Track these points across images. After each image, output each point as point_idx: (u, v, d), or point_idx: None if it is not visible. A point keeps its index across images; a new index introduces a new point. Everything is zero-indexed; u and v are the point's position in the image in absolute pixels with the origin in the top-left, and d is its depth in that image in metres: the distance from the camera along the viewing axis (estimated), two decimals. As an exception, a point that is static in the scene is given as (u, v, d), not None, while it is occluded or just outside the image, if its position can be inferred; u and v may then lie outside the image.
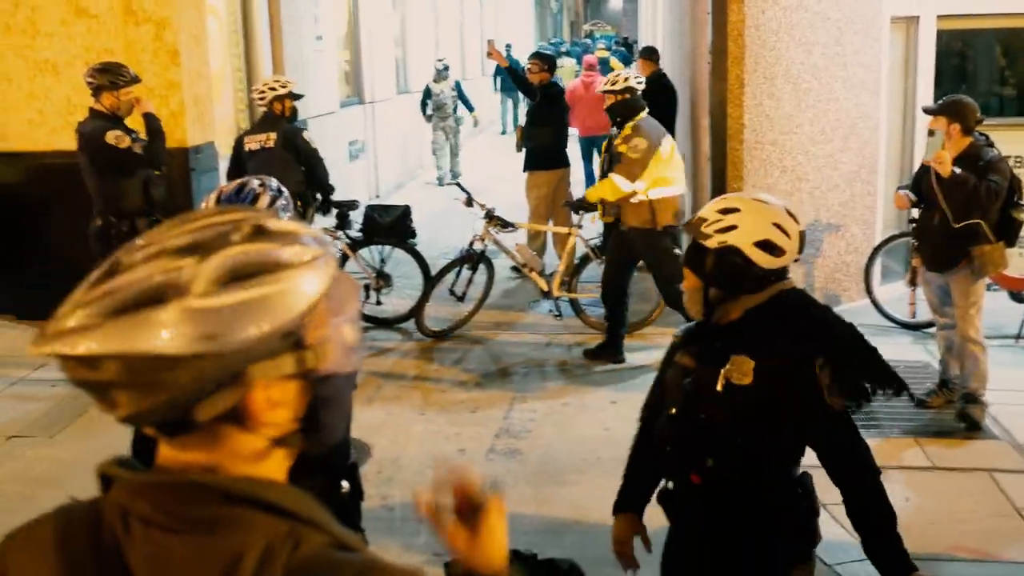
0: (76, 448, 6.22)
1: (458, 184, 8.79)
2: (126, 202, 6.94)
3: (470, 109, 15.88)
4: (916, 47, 8.75)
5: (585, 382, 7.18)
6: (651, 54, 11.06)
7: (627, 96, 7.24)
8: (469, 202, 8.39)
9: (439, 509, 1.44)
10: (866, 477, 2.74)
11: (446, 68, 15.67)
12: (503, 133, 22.71)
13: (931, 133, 6.05)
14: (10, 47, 8.18)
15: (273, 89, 7.95)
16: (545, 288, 8.17)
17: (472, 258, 8.22)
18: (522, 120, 10.80)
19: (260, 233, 1.17)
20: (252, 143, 7.92)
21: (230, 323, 1.11)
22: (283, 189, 3.07)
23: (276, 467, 1.24)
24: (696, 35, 9.56)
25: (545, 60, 9.79)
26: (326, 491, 2.95)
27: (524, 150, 9.94)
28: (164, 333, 1.09)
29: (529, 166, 9.89)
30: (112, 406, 1.14)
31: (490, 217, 8.24)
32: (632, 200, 7.05)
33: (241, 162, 7.87)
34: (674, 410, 2.86)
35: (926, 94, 8.75)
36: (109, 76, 6.89)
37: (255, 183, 3.03)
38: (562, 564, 2.90)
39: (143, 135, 6.97)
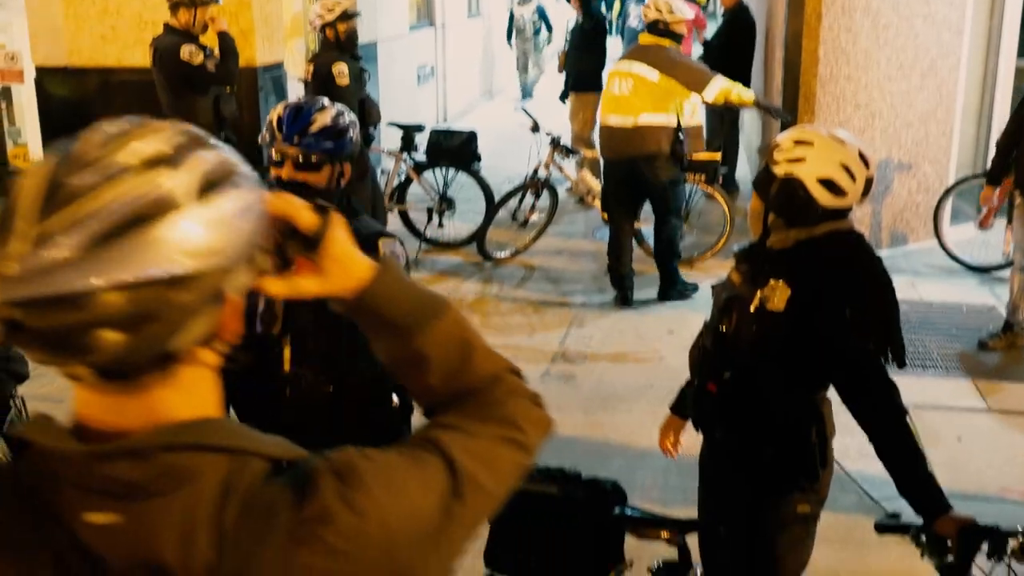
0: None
1: (524, 110, 8.76)
2: (197, 119, 6.95)
3: (550, 29, 16.39)
4: (1002, -18, 8.48)
5: (644, 311, 7.19)
6: None
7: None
8: (535, 128, 8.36)
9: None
10: (890, 418, 2.73)
11: None
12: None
13: None
14: (85, -38, 8.28)
15: (321, 15, 7.58)
16: (607, 217, 8.17)
17: (536, 184, 8.23)
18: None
19: (202, 143, 1.09)
20: (304, 72, 7.84)
21: (224, 235, 1.05)
22: (351, 112, 3.08)
23: (213, 397, 1.15)
24: (773, -35, 9.36)
25: None
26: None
27: (566, 74, 10.14)
28: (168, 252, 1.00)
29: (574, 88, 10.01)
30: (91, 351, 1.00)
31: (555, 144, 8.22)
32: (664, 125, 6.98)
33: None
34: (709, 319, 3.02)
35: (1011, 34, 8.49)
36: None
37: (323, 99, 3.05)
38: (605, 483, 2.98)
39: (217, 53, 7.04)
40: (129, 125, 1.07)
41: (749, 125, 10.48)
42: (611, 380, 6.05)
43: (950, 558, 2.54)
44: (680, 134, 6.99)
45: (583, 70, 9.93)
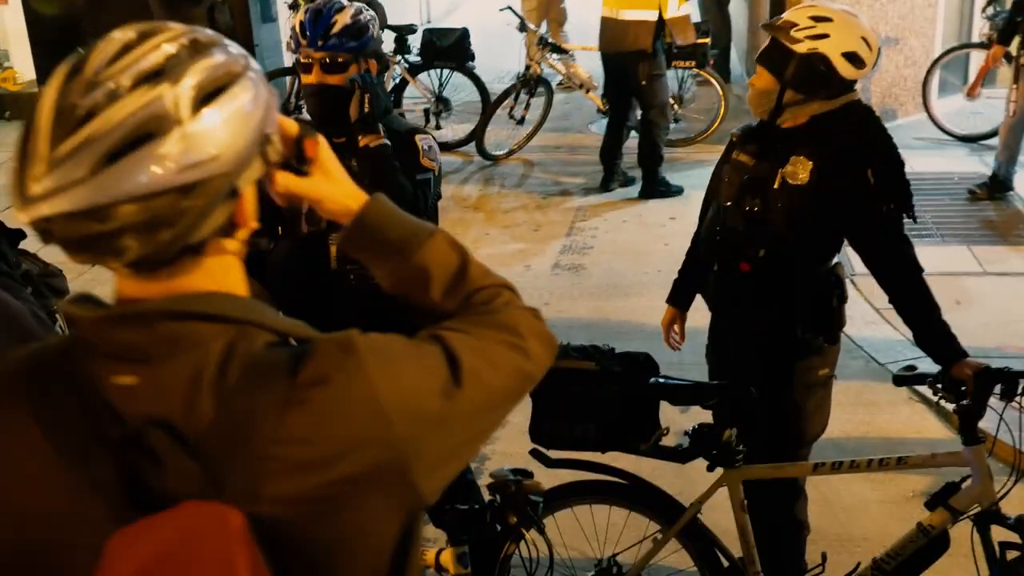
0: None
1: (511, 9, 8.78)
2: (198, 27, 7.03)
3: None
4: None
5: (645, 201, 7.34)
6: None
7: None
8: (522, 27, 8.40)
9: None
10: (911, 273, 2.96)
11: None
12: None
13: None
14: None
15: None
16: (603, 107, 8.25)
17: (528, 82, 8.29)
18: None
19: (202, 48, 1.15)
20: None
21: (224, 139, 1.11)
22: (369, 7, 3.18)
23: (239, 280, 1.23)
24: None
25: None
26: None
27: None
28: (173, 164, 1.08)
29: None
30: (116, 253, 1.11)
31: (543, 42, 8.27)
32: (644, 20, 7.05)
33: None
34: (728, 203, 3.07)
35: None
36: None
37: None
38: (638, 356, 3.17)
39: None
40: (133, 35, 1.13)
41: (734, 9, 10.48)
42: (619, 268, 6.24)
43: (966, 402, 2.76)
44: (663, 28, 7.08)
45: None
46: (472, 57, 8.43)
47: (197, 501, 1.11)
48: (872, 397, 4.70)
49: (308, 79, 3.04)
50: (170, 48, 1.12)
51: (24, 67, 9.90)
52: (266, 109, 1.18)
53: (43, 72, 8.81)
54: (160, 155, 1.07)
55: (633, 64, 7.10)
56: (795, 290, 3.06)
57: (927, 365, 2.92)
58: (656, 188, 7.37)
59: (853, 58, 2.88)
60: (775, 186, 2.97)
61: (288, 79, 8.83)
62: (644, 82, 7.14)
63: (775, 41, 2.94)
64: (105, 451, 1.14)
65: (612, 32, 7.17)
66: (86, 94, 1.08)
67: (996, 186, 6.82)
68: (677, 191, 7.35)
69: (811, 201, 2.93)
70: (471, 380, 1.24)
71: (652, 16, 7.01)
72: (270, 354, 1.17)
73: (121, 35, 1.13)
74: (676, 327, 3.53)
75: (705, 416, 3.11)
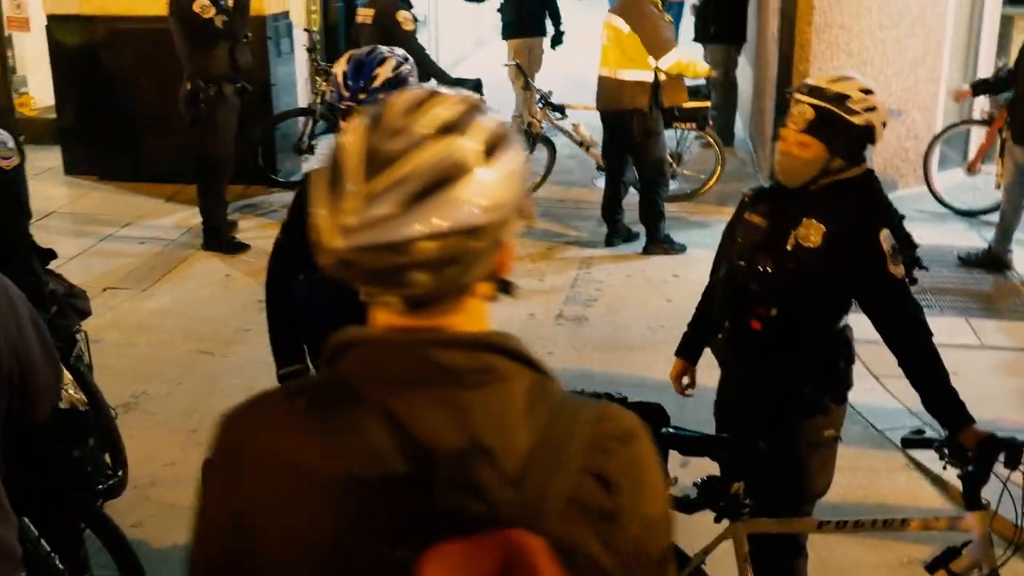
0: (168, 299, 6.62)
1: (517, 65, 8.96)
2: (213, 68, 7.11)
3: None
4: (991, -68, 8.70)
5: (648, 257, 7.44)
6: None
7: None
8: (527, 85, 8.60)
9: None
10: (922, 337, 3.06)
11: None
12: None
13: None
14: (96, -88, 8.35)
15: None
16: (603, 164, 8.39)
17: (530, 138, 8.43)
18: None
19: (480, 110, 1.26)
20: (360, 16, 8.15)
21: (505, 190, 1.23)
22: (408, 57, 3.30)
23: (488, 320, 1.32)
24: (768, -85, 9.52)
25: None
26: None
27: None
28: (469, 208, 1.19)
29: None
30: (405, 286, 1.21)
31: (545, 102, 8.46)
32: (640, 80, 7.23)
33: (355, 35, 8.11)
34: (741, 262, 3.18)
35: (997, -18, 8.74)
36: None
37: (383, 48, 3.27)
38: (652, 405, 3.24)
39: (231, 2, 7.16)
40: (422, 95, 1.26)
41: (740, 81, 10.70)
42: (623, 322, 6.33)
43: (970, 468, 2.84)
44: (659, 88, 7.25)
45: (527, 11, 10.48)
46: (486, 107, 8.53)
47: (518, 529, 1.16)
48: (870, 463, 4.78)
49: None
50: (459, 107, 1.24)
51: (40, 93, 10.02)
52: (525, 172, 1.30)
53: (63, 98, 8.93)
54: (459, 198, 1.19)
55: (629, 122, 7.28)
56: (804, 349, 3.15)
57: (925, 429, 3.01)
58: (659, 244, 7.48)
59: (884, 127, 3.04)
60: (788, 247, 3.07)
61: (302, 119, 8.97)
62: (639, 140, 7.31)
63: (832, 113, 2.99)
64: (407, 474, 1.19)
65: (610, 91, 7.37)
66: (392, 139, 1.21)
67: (991, 260, 6.95)
68: (680, 249, 7.46)
69: (823, 263, 3.03)
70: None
71: (648, 77, 7.19)
72: (569, 401, 1.30)
73: (411, 93, 1.27)
74: (686, 378, 3.60)
75: (712, 468, 3.18)
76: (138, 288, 6.79)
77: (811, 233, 3.04)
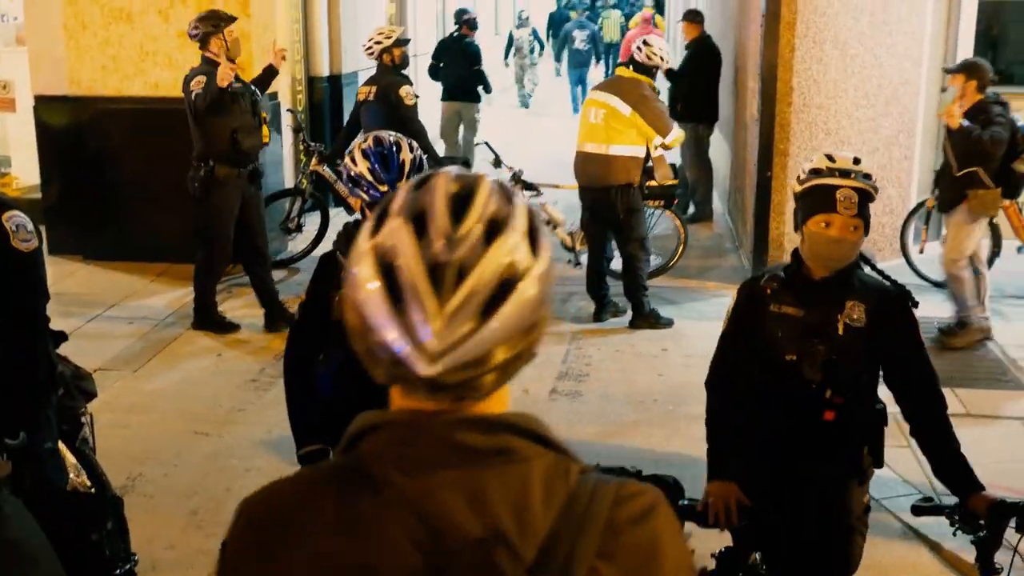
0: (160, 380, 6.61)
1: (487, 144, 9.11)
2: (208, 148, 7.06)
3: (542, 47, 20.83)
4: (958, 17, 9.00)
5: (637, 331, 7.51)
6: (695, 16, 11.25)
7: None
8: (497, 163, 8.73)
9: None
10: (941, 404, 3.15)
11: (527, 17, 20.64)
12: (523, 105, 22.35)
13: (943, 90, 6.87)
14: (86, -5, 8.49)
15: (379, 42, 8.15)
16: (569, 244, 8.54)
17: None
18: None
19: (505, 189, 1.28)
20: (362, 93, 8.32)
21: (546, 285, 1.25)
22: (413, 142, 3.41)
23: (508, 402, 1.32)
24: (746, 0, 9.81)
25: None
26: None
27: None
28: (533, 305, 1.22)
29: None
30: (475, 390, 1.22)
31: (516, 180, 8.58)
32: (634, 156, 7.41)
33: (356, 110, 8.26)
34: (792, 356, 3.11)
35: (965, 62, 9.03)
36: (211, 21, 7.04)
37: (389, 136, 3.38)
38: (667, 479, 3.29)
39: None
40: (452, 186, 1.25)
41: (716, 158, 10.93)
42: (616, 396, 6.38)
43: (982, 533, 2.90)
44: (648, 164, 7.47)
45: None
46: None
47: None
48: (868, 533, 4.81)
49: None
50: (491, 196, 1.25)
51: (24, 173, 10.07)
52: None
53: (48, 178, 8.98)
54: (525, 299, 1.22)
55: (615, 198, 7.40)
56: (866, 426, 3.20)
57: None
58: (646, 319, 7.56)
59: None
60: (840, 332, 3.07)
61: (288, 200, 9.05)
62: (624, 216, 7.43)
63: (867, 191, 3.07)
64: (426, 564, 1.20)
65: (597, 166, 7.47)
66: (450, 248, 1.20)
67: (960, 326, 7.12)
68: (667, 323, 7.54)
69: (870, 340, 3.08)
70: None
71: (640, 152, 7.37)
72: (590, 482, 1.28)
73: (439, 185, 1.25)
74: (732, 504, 3.10)
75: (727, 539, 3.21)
76: (129, 369, 6.78)
77: (856, 313, 3.08)
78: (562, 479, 1.26)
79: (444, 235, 1.21)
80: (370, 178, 3.24)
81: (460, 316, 1.19)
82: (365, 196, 3.26)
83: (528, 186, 8.60)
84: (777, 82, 8.16)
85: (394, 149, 3.29)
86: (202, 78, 6.94)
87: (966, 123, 6.68)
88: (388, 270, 1.21)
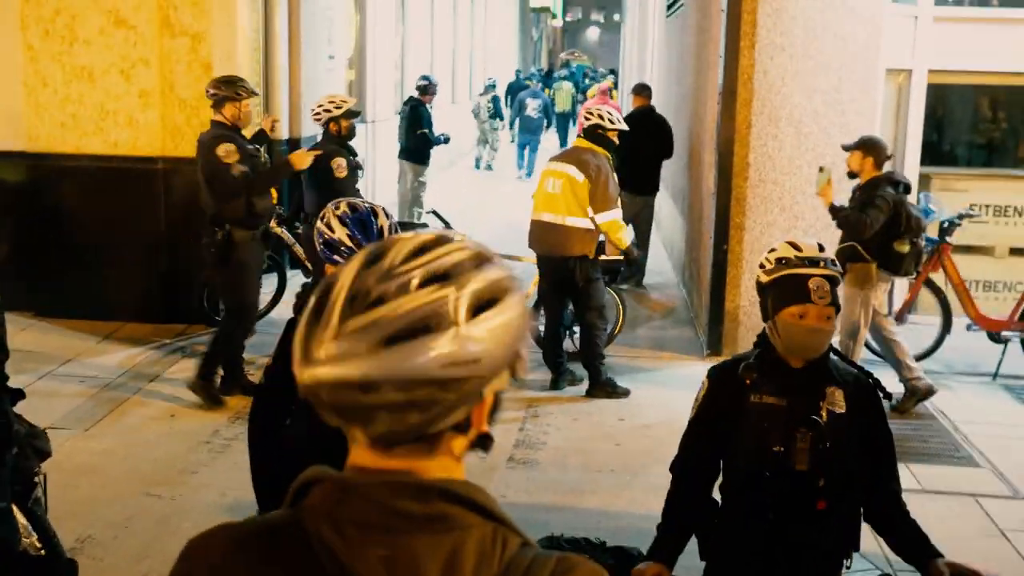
0: (112, 440, 6.50)
1: (435, 212, 9.16)
2: (226, 212, 6.93)
3: (501, 118, 22.08)
4: (908, 98, 9.27)
5: (594, 401, 7.52)
6: (643, 90, 11.66)
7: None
8: (446, 229, 8.76)
9: None
10: (898, 482, 3.18)
11: (493, 85, 22.30)
12: (478, 167, 22.86)
13: (820, 170, 7.22)
14: (48, 52, 8.49)
15: (328, 111, 7.96)
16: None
17: None
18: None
19: (484, 260, 1.27)
20: None
21: (488, 347, 1.21)
22: (385, 208, 3.44)
23: (461, 471, 1.30)
24: (702, 75, 10.01)
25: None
26: None
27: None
28: (440, 359, 1.18)
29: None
30: (367, 423, 1.21)
31: None
32: (589, 228, 7.50)
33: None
34: (779, 447, 3.06)
35: (914, 142, 9.28)
36: (233, 88, 7.00)
37: (363, 203, 3.40)
38: (632, 551, 3.29)
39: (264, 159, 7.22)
40: (431, 239, 1.26)
41: (671, 230, 11.08)
42: (573, 464, 6.37)
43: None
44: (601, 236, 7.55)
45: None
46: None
47: None
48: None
49: None
50: (460, 256, 1.24)
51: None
52: (525, 327, 1.28)
53: (1, 234, 8.89)
54: (433, 348, 1.18)
55: (573, 268, 7.47)
56: (853, 518, 3.18)
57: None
58: (602, 388, 7.58)
59: None
60: (824, 419, 3.04)
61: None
62: (583, 285, 7.49)
63: (837, 279, 3.04)
64: None
65: (554, 236, 7.52)
66: (380, 283, 1.21)
67: (911, 393, 7.25)
68: (624, 392, 7.55)
69: (851, 427, 3.06)
70: None
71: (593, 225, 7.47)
72: (528, 556, 1.27)
73: (421, 237, 1.27)
74: None
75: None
76: (80, 428, 6.66)
77: (836, 399, 3.05)
78: (498, 550, 1.25)
79: (386, 270, 1.22)
80: (350, 244, 3.26)
81: (356, 337, 1.18)
82: (343, 262, 3.28)
83: None
84: (734, 157, 8.32)
85: (371, 216, 3.32)
86: (231, 148, 6.87)
87: (837, 203, 7.03)
88: (325, 292, 1.24)
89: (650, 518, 3.57)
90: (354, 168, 7.88)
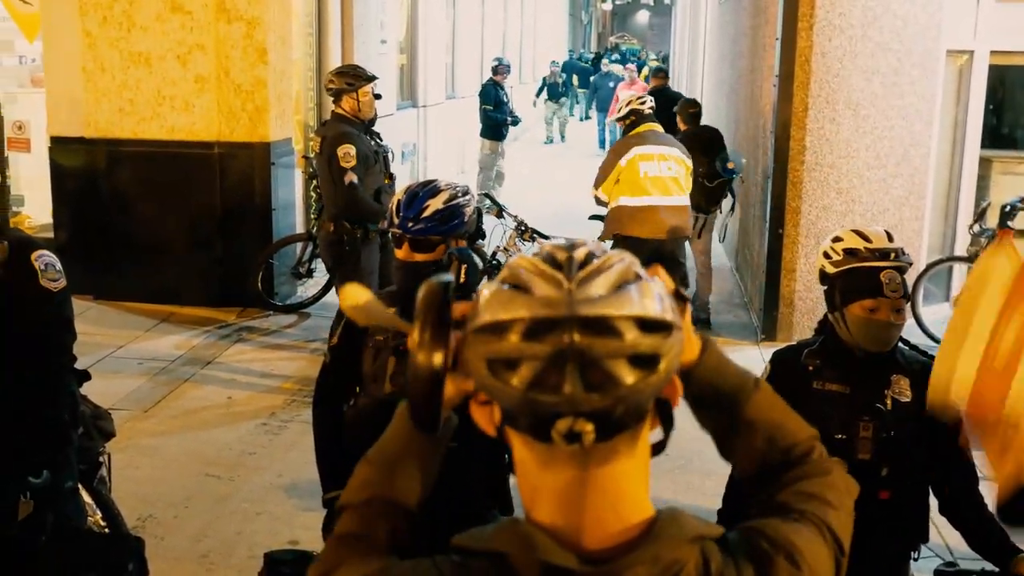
0: (170, 421, 6.58)
1: (487, 195, 9.10)
2: (351, 208, 6.85)
3: (566, 96, 24.52)
4: (969, 80, 9.09)
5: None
6: (658, 72, 14.80)
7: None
8: (500, 214, 8.67)
9: None
10: (975, 478, 3.08)
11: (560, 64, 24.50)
12: (548, 142, 24.17)
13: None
14: (106, 38, 8.57)
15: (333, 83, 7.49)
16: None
17: (489, 270, 8.25)
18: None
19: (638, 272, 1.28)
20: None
21: (672, 308, 1.26)
22: (468, 189, 3.36)
23: (647, 476, 1.30)
24: (758, 57, 9.91)
25: None
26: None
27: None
28: (658, 304, 1.22)
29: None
30: (607, 382, 1.17)
31: (521, 228, 8.53)
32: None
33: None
34: (841, 435, 3.01)
35: (975, 125, 9.10)
36: (346, 79, 6.92)
37: (442, 182, 3.33)
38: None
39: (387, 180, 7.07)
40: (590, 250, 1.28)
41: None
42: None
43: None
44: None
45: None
46: (483, 235, 8.62)
47: None
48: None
49: (399, 253, 3.21)
50: (618, 263, 1.25)
51: (36, 212, 10.09)
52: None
53: (61, 218, 9.01)
54: (650, 291, 1.23)
55: (673, 249, 7.80)
56: (920, 508, 3.14)
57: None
58: None
59: None
60: (889, 408, 3.01)
61: (300, 244, 9.06)
62: (682, 263, 7.80)
63: (902, 270, 2.99)
64: None
65: (679, 217, 7.80)
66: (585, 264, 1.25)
67: None
68: None
69: (918, 415, 3.00)
70: (840, 551, 1.41)
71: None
72: (731, 565, 1.29)
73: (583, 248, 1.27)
74: None
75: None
76: (139, 409, 6.75)
77: (902, 387, 3.01)
78: (712, 569, 1.28)
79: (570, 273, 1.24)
80: (392, 210, 3.23)
81: (592, 282, 1.20)
82: (388, 228, 3.27)
83: (535, 234, 8.50)
84: (790, 140, 8.22)
85: (428, 192, 3.25)
86: (351, 151, 6.72)
87: None
88: (512, 280, 1.24)
89: (706, 502, 3.54)
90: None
